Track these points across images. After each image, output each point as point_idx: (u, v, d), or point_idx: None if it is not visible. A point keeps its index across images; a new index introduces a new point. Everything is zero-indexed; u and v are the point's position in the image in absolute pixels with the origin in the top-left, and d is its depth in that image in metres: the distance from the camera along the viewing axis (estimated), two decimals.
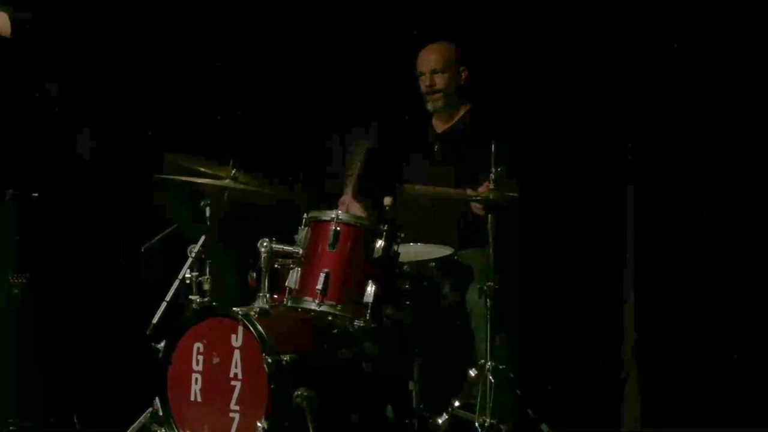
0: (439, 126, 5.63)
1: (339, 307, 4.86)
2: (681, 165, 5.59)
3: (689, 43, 5.54)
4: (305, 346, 4.95)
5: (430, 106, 5.57)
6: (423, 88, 5.56)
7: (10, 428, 5.32)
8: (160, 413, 4.94)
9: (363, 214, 5.24)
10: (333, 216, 4.91)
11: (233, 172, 5.16)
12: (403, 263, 5.05)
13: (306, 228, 4.98)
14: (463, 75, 5.56)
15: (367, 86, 6.03)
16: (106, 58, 6.13)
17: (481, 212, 5.06)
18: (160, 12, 6.13)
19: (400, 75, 5.74)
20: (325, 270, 4.86)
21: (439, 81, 5.52)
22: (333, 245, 4.89)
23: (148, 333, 4.97)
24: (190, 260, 5.06)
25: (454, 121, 5.60)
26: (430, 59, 5.54)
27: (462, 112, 5.60)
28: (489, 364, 4.94)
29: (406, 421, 5.10)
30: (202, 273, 5.07)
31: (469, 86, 5.57)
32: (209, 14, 6.14)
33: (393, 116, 5.87)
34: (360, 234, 4.92)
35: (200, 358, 4.91)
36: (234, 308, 4.88)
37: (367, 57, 6.02)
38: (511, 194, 4.99)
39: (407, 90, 5.65)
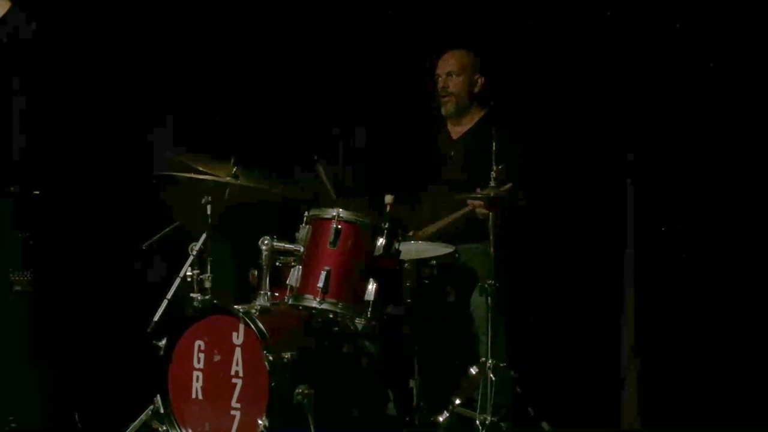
0: (454, 132, 5.67)
1: (340, 304, 4.87)
2: (681, 160, 5.61)
3: (688, 44, 5.56)
4: (306, 343, 4.95)
5: (443, 110, 5.63)
6: (438, 90, 5.61)
7: (11, 425, 5.31)
8: (162, 411, 4.94)
9: None
10: (334, 214, 4.92)
11: (234, 169, 5.15)
12: (404, 261, 5.06)
13: (307, 226, 4.99)
14: (479, 82, 5.60)
15: (372, 87, 6.06)
16: (109, 56, 6.13)
17: (486, 217, 5.08)
18: (162, 10, 6.14)
19: (408, 78, 5.79)
20: (326, 268, 4.87)
21: (453, 84, 5.59)
22: (334, 243, 4.90)
23: (149, 331, 4.97)
24: (191, 258, 5.06)
25: (468, 128, 5.63)
26: (448, 62, 5.62)
27: (476, 118, 5.63)
28: (490, 362, 4.95)
29: (407, 418, 5.11)
30: (203, 271, 5.07)
31: (485, 95, 5.60)
32: (212, 11, 6.15)
33: (402, 118, 5.92)
34: (361, 232, 4.93)
35: (201, 355, 4.91)
36: (235, 306, 4.88)
37: (376, 58, 6.05)
38: (508, 188, 5.03)
39: (418, 93, 5.70)
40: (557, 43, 5.78)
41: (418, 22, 5.96)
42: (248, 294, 5.07)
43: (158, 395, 4.95)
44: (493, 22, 5.86)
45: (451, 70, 5.58)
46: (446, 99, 5.59)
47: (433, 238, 5.34)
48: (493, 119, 5.54)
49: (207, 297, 5.04)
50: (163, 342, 4.96)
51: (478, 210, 5.19)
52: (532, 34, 5.81)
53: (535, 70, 5.81)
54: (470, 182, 5.25)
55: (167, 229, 5.34)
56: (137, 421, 5.02)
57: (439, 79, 5.60)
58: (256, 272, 5.04)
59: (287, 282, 4.93)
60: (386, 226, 4.93)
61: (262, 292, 4.93)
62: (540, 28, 5.81)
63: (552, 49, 5.79)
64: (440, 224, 5.37)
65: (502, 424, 4.94)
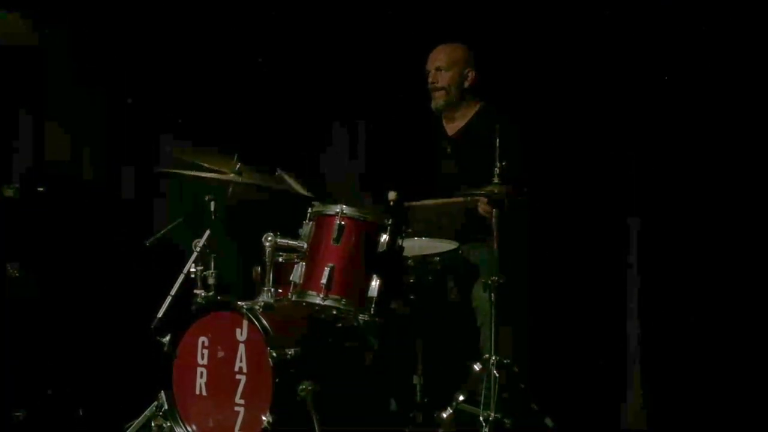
0: (450, 128, 5.69)
1: (343, 301, 4.87)
2: (685, 162, 5.60)
3: (692, 54, 5.56)
4: (309, 340, 4.96)
5: (433, 104, 5.65)
6: (428, 85, 5.63)
7: (19, 419, 5.33)
8: (165, 407, 4.96)
9: None
10: (337, 210, 4.92)
11: (237, 166, 5.16)
12: (407, 257, 5.06)
13: (310, 222, 4.99)
14: (469, 76, 5.61)
15: (372, 82, 6.07)
16: (109, 53, 6.15)
17: (489, 214, 5.08)
18: (164, 6, 6.15)
19: (407, 72, 5.79)
20: (330, 264, 4.87)
21: (441, 79, 5.60)
22: (337, 239, 4.90)
23: (152, 327, 4.98)
24: (195, 254, 5.07)
25: (464, 123, 5.64)
26: (436, 57, 5.64)
27: (471, 114, 5.64)
28: (493, 358, 4.96)
29: (411, 415, 5.11)
30: (206, 267, 5.08)
31: (476, 88, 5.62)
32: (214, 7, 6.17)
33: (398, 113, 5.94)
34: (364, 228, 4.93)
35: (205, 352, 4.93)
36: (239, 302, 4.89)
37: (376, 54, 6.06)
38: (515, 188, 5.03)
39: (415, 88, 5.71)
40: (556, 38, 5.78)
41: (416, 18, 5.97)
42: (252, 290, 5.08)
43: (162, 391, 4.97)
44: (493, 18, 5.86)
45: (439, 65, 5.60)
46: (436, 94, 5.61)
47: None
48: (488, 114, 5.55)
49: (211, 293, 5.05)
50: (167, 338, 4.98)
51: (480, 207, 5.19)
52: (531, 30, 5.81)
53: (533, 64, 5.81)
54: (467, 178, 5.26)
55: (170, 226, 5.35)
56: (141, 417, 5.04)
57: (429, 74, 5.62)
58: (259, 269, 5.05)
59: (290, 278, 4.93)
60: (389, 222, 4.93)
61: (265, 289, 4.93)
62: (539, 25, 5.81)
63: (550, 45, 5.79)
64: (440, 201, 5.35)
65: (506, 420, 4.94)
